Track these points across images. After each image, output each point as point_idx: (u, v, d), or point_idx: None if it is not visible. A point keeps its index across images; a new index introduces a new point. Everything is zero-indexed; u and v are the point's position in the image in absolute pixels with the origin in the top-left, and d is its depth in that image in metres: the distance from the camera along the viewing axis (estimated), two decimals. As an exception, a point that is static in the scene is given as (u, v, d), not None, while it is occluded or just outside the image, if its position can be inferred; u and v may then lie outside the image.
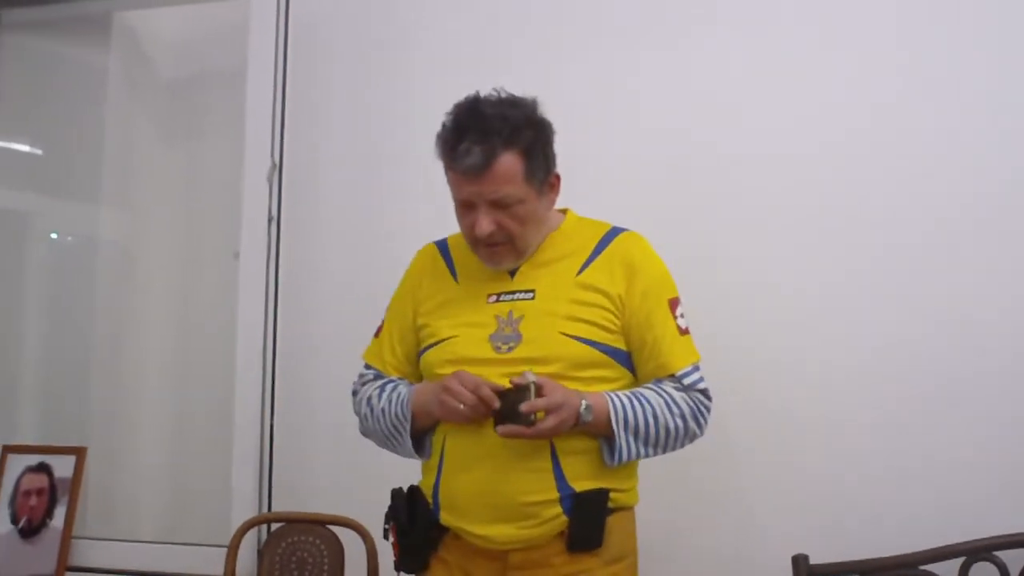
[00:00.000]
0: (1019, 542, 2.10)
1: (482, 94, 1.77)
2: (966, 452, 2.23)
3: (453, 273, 1.89)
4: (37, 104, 3.18)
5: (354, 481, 2.53)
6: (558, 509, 1.71)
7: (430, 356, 1.82)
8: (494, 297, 1.80)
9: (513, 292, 1.80)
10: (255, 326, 2.66)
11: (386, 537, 1.84)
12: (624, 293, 1.79)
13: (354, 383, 1.95)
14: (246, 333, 2.67)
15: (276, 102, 2.72)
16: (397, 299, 1.95)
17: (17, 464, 2.83)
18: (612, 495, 1.76)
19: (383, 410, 1.82)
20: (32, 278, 3.18)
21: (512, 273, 1.82)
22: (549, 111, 2.49)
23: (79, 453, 2.80)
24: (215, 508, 2.70)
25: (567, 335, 1.74)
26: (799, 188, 2.41)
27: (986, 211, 2.29)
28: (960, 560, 2.11)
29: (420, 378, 1.88)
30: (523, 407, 1.62)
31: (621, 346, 1.80)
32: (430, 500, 1.78)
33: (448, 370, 1.74)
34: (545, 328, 1.75)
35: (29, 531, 2.75)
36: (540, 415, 1.63)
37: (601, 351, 1.76)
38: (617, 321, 1.79)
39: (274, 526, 2.53)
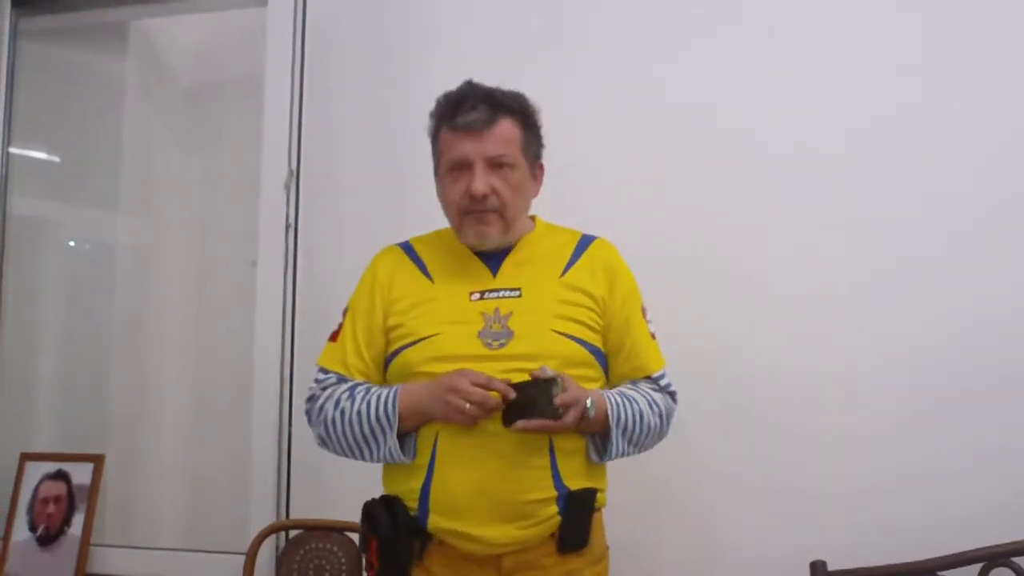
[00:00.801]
0: (1038, 548, 2.09)
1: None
2: (983, 458, 2.24)
3: (426, 273, 1.88)
4: (54, 112, 3.19)
5: (372, 488, 2.49)
6: (554, 508, 1.73)
7: (410, 355, 1.79)
8: (477, 295, 1.81)
9: (498, 290, 1.81)
10: (273, 334, 2.66)
11: (363, 549, 1.77)
12: (606, 296, 1.85)
13: (311, 389, 1.87)
14: (264, 341, 2.67)
15: (293, 109, 2.72)
16: (361, 301, 1.89)
17: (35, 471, 2.83)
18: (597, 494, 1.81)
19: (359, 412, 1.75)
20: (50, 285, 3.18)
21: (494, 271, 1.84)
22: (569, 111, 2.54)
23: (97, 460, 2.80)
24: (233, 515, 2.71)
25: (558, 332, 1.78)
26: (797, 189, 2.42)
27: (994, 216, 2.30)
28: (978, 566, 2.11)
29: (384, 382, 1.85)
30: (557, 400, 1.62)
31: (601, 347, 1.84)
32: (414, 505, 1.73)
33: (434, 367, 1.74)
34: (536, 325, 1.77)
35: (47, 539, 2.75)
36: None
37: (588, 350, 1.81)
38: (600, 322, 1.84)
39: (292, 533, 2.53)
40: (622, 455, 1.81)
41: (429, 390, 1.71)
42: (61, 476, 2.81)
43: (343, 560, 2.45)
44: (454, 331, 1.77)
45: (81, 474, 2.80)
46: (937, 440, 2.27)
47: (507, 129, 1.79)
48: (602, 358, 1.86)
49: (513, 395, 1.65)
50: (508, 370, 1.70)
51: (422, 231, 1.99)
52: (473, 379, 1.66)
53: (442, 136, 1.82)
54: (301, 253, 2.71)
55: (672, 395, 1.93)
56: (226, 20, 2.98)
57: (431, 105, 1.86)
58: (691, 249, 2.46)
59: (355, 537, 2.45)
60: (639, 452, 1.86)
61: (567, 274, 1.85)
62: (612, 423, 1.75)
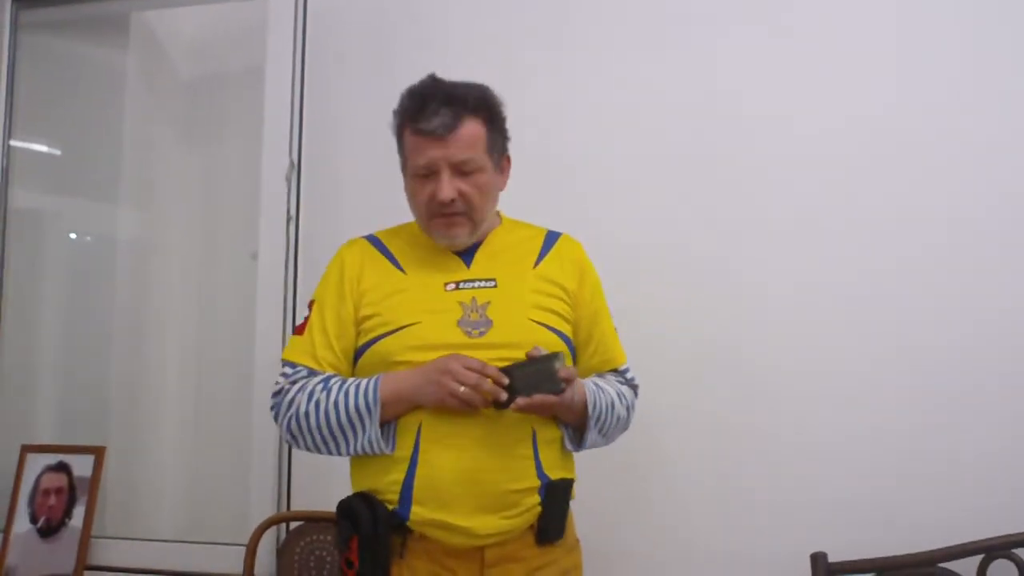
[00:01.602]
0: (1039, 540, 2.10)
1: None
2: (984, 450, 2.24)
3: (396, 264, 1.86)
4: (55, 104, 3.18)
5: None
6: (536, 498, 1.74)
7: (388, 344, 1.76)
8: (452, 285, 1.80)
9: (473, 280, 1.81)
10: (273, 326, 2.66)
11: (342, 548, 1.73)
12: (577, 289, 1.87)
13: (278, 383, 1.82)
14: (264, 332, 2.67)
15: (294, 102, 2.72)
16: (329, 293, 1.86)
17: (36, 463, 2.83)
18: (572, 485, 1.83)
19: (336, 403, 1.72)
20: (51, 278, 3.19)
21: (467, 262, 1.84)
22: (570, 110, 2.53)
23: (98, 452, 2.80)
24: (234, 507, 2.72)
25: (536, 322, 1.79)
26: (797, 189, 2.42)
27: (995, 216, 2.30)
28: (979, 558, 2.12)
29: (353, 375, 1.82)
30: (561, 373, 1.64)
31: (572, 338, 1.86)
32: (394, 499, 1.70)
33: (414, 356, 1.73)
34: (514, 314, 1.78)
35: (48, 530, 2.75)
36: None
37: (564, 340, 1.82)
38: (572, 314, 1.86)
39: (293, 525, 2.53)
40: (594, 445, 1.85)
41: (419, 375, 1.70)
42: (62, 468, 2.81)
43: (344, 552, 2.46)
44: (433, 320, 1.76)
45: (82, 466, 2.79)
46: (938, 438, 2.27)
47: (471, 131, 1.76)
48: (572, 348, 1.87)
49: (506, 381, 1.65)
50: (489, 359, 1.69)
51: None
52: (467, 363, 1.66)
53: (406, 138, 1.80)
54: (302, 245, 2.71)
55: (636, 387, 1.98)
56: (227, 12, 2.97)
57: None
58: (691, 249, 2.46)
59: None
60: (607, 443, 1.89)
61: (539, 265, 1.87)
62: (590, 411, 1.78)
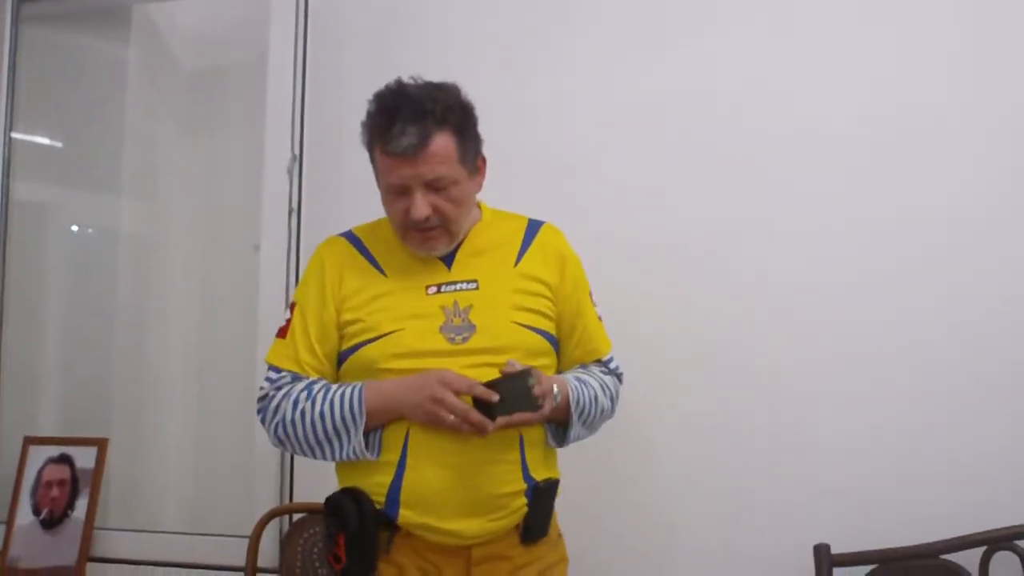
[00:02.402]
0: (1040, 531, 2.10)
1: (404, 79, 1.77)
2: (986, 444, 2.24)
3: (377, 266, 1.83)
4: (57, 97, 3.19)
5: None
6: (523, 500, 1.75)
7: (370, 351, 1.74)
8: (434, 288, 1.78)
9: (454, 283, 1.79)
10: (275, 318, 2.61)
11: (328, 543, 1.72)
12: (559, 282, 1.85)
13: (262, 388, 1.80)
14: (267, 325, 2.64)
15: (296, 94, 2.72)
16: (310, 296, 1.83)
17: (39, 455, 2.84)
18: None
19: (322, 414, 1.70)
20: (53, 270, 3.19)
21: (448, 264, 1.81)
22: (570, 110, 2.52)
23: (100, 444, 2.81)
24: (237, 499, 2.73)
25: (519, 324, 1.77)
26: (797, 188, 2.42)
27: (996, 215, 2.29)
28: (981, 550, 2.13)
29: (336, 379, 1.81)
30: (536, 391, 1.62)
31: (555, 334, 1.86)
32: (381, 499, 1.70)
33: (397, 364, 1.72)
34: (497, 318, 1.76)
35: (51, 522, 2.76)
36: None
37: (548, 340, 1.82)
38: (555, 308, 1.85)
39: (296, 517, 2.54)
40: (578, 439, 1.85)
41: (405, 392, 1.68)
42: (65, 460, 2.82)
43: (346, 543, 2.46)
44: (415, 326, 1.74)
45: (85, 458, 2.80)
46: (938, 438, 2.27)
47: (442, 146, 1.69)
48: (556, 345, 1.87)
49: (496, 399, 1.61)
50: (473, 364, 1.69)
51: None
52: (456, 387, 1.64)
53: (377, 156, 1.74)
54: (304, 237, 2.71)
55: (620, 376, 1.97)
56: (229, 4, 2.98)
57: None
58: (691, 248, 2.46)
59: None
60: (591, 434, 1.89)
61: (520, 262, 1.84)
62: (573, 409, 1.78)
